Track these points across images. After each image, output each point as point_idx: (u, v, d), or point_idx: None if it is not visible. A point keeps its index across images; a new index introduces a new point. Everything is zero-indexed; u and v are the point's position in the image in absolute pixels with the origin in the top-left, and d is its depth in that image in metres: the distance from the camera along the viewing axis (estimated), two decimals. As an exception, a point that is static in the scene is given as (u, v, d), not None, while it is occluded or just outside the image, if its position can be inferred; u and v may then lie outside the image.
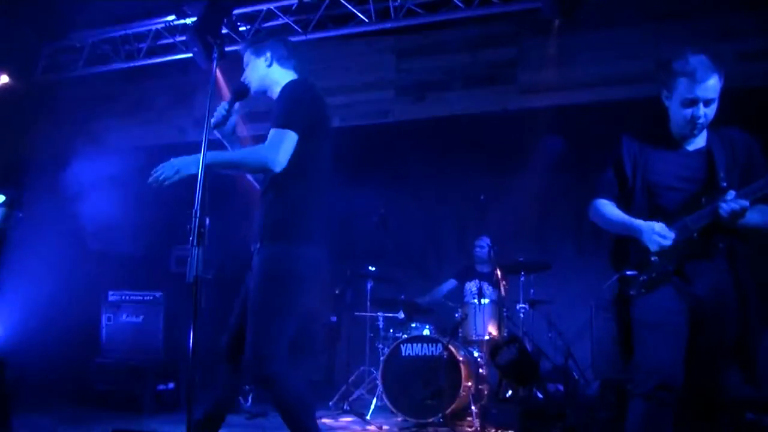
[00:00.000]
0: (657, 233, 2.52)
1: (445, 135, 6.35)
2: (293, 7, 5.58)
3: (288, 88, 2.73)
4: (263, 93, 2.90)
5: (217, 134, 2.83)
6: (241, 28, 5.81)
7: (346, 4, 5.40)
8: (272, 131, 2.60)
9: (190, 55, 5.70)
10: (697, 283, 2.53)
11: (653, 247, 2.54)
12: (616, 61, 5.26)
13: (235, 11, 5.66)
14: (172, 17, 5.84)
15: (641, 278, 2.58)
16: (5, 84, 6.14)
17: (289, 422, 2.52)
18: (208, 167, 2.47)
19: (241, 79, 2.90)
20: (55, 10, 5.70)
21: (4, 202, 4.26)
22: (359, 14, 5.39)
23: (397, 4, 5.27)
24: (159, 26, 5.99)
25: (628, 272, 2.61)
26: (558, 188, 6.77)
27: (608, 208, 2.73)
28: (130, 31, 6.13)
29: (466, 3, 5.11)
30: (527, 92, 5.54)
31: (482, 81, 5.66)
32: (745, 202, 2.40)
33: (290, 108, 2.64)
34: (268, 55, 2.88)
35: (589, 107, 5.48)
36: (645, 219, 2.60)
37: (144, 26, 6.05)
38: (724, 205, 2.42)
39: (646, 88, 5.16)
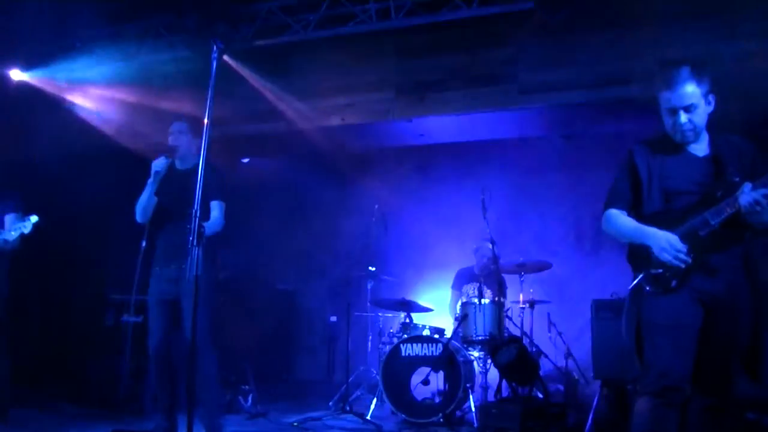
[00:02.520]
0: (672, 246, 2.54)
1: (445, 135, 6.35)
2: (294, 7, 5.58)
3: (219, 169, 3.91)
4: (181, 155, 4.01)
5: (152, 178, 3.86)
6: (241, 28, 5.81)
7: (346, 3, 5.39)
8: (219, 204, 3.88)
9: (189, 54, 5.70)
10: (713, 280, 2.55)
11: (663, 259, 2.55)
12: (616, 61, 5.25)
13: (235, 11, 5.65)
14: (172, 17, 5.83)
15: (668, 275, 2.58)
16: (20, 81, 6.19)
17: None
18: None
19: (174, 143, 4.00)
20: (55, 9, 5.69)
21: (11, 207, 4.37)
22: (360, 14, 5.39)
23: (397, 3, 5.26)
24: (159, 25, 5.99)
25: (653, 271, 2.62)
26: (558, 188, 6.77)
27: (620, 218, 2.76)
28: (129, 30, 6.12)
29: (466, 3, 5.10)
30: (527, 92, 5.54)
31: (482, 81, 5.65)
32: (765, 190, 2.43)
33: (226, 186, 3.97)
34: (190, 137, 4.03)
35: (588, 107, 5.47)
36: (660, 221, 2.62)
37: (144, 25, 6.04)
38: (744, 195, 2.46)
39: (646, 88, 5.16)
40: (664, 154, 2.71)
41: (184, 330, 3.74)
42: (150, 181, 3.88)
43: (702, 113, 2.61)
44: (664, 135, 2.75)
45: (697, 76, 2.56)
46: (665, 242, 2.55)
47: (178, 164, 4.04)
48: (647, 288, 2.63)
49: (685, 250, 2.53)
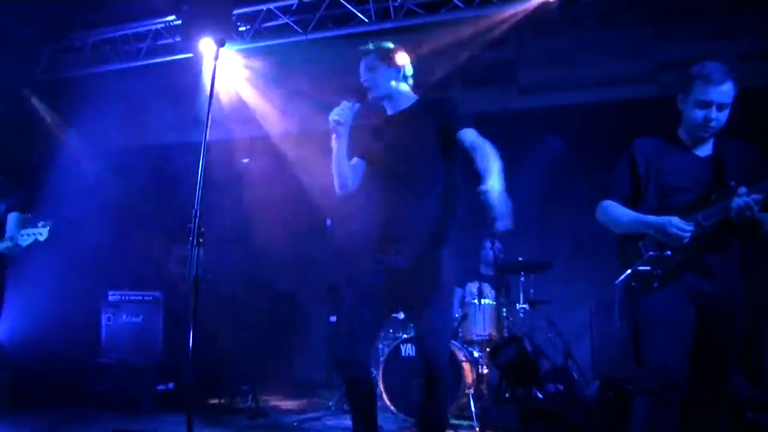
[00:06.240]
0: (676, 227, 2.53)
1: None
2: (293, 7, 5.58)
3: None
4: (380, 98, 2.98)
5: (336, 129, 2.89)
6: (241, 28, 5.81)
7: (346, 4, 5.40)
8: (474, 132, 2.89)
9: (190, 55, 5.71)
10: (710, 280, 2.56)
11: (673, 243, 2.55)
12: (616, 61, 5.26)
13: (235, 11, 5.65)
14: (171, 17, 5.84)
15: (655, 273, 2.59)
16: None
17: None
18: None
19: (363, 82, 2.96)
20: (55, 10, 5.70)
21: (14, 205, 3.96)
22: (359, 14, 5.39)
23: (397, 4, 5.27)
24: (159, 26, 5.99)
25: (641, 268, 2.62)
26: (558, 188, 6.77)
27: (617, 209, 2.76)
28: (129, 31, 6.12)
29: (466, 3, 5.11)
30: (527, 92, 5.54)
31: (482, 81, 5.66)
32: (758, 196, 2.44)
33: None
34: (404, 69, 3.00)
35: (589, 107, 5.47)
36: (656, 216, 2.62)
37: (144, 26, 6.05)
38: (737, 199, 2.46)
39: (646, 88, 5.17)
40: (665, 151, 2.72)
41: (423, 344, 2.84)
42: (333, 136, 2.89)
43: (727, 115, 2.62)
44: (669, 132, 2.75)
45: (733, 78, 2.58)
46: (668, 224, 2.54)
47: (389, 108, 3.03)
48: (634, 284, 2.64)
49: (691, 228, 2.53)
